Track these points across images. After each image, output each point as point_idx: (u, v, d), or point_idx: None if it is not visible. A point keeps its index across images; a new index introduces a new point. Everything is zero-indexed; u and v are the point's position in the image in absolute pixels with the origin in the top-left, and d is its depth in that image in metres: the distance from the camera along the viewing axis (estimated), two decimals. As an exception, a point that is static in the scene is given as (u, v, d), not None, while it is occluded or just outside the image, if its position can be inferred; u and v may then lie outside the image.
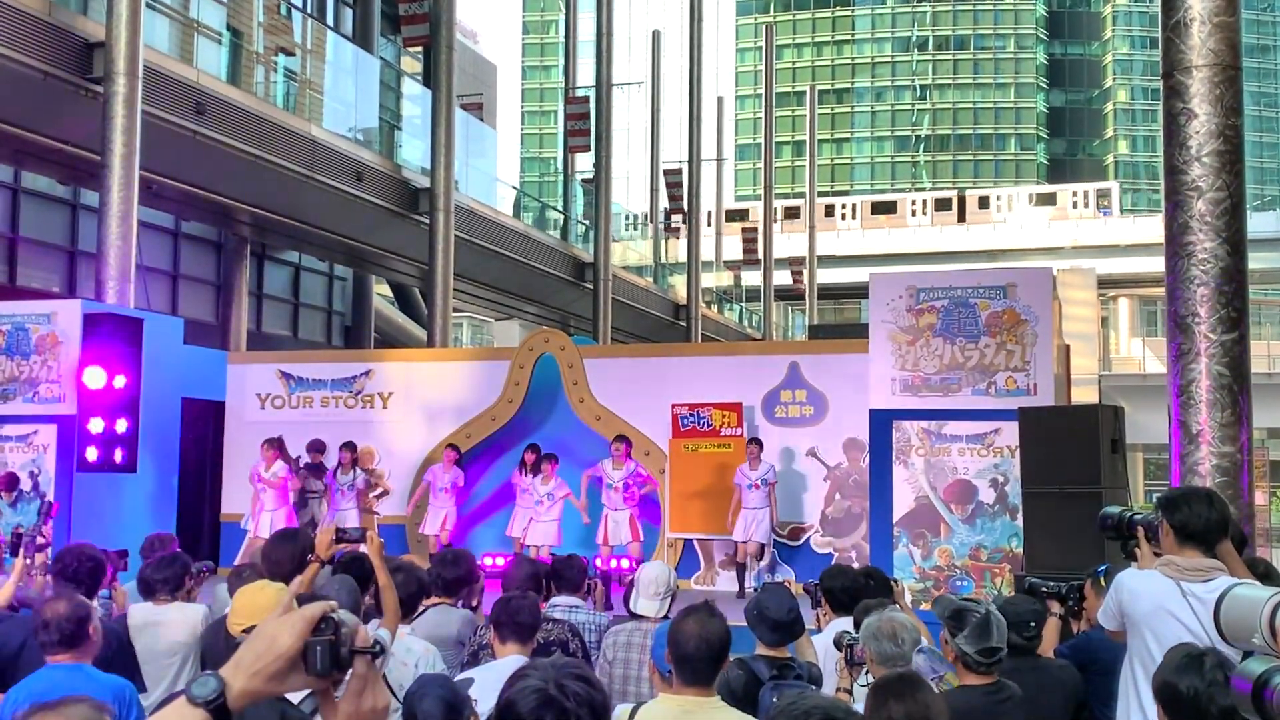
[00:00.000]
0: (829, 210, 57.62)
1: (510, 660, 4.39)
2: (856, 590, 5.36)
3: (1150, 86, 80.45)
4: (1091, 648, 4.82)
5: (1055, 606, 5.20)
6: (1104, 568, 5.20)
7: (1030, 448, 8.58)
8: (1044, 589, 5.26)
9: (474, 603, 5.99)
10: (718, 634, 3.50)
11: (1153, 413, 26.01)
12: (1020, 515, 9.05)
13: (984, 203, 63.32)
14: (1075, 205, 61.08)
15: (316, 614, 1.75)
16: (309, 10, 23.54)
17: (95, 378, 11.29)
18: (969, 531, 9.95)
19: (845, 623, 4.99)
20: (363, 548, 5.04)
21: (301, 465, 12.79)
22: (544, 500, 12.13)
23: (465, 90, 29.65)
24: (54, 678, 3.97)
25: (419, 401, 13.71)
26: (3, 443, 11.68)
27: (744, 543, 11.62)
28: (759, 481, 11.61)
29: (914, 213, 61.65)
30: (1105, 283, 47.79)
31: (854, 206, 60.70)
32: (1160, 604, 3.96)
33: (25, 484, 11.54)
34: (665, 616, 4.98)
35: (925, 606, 8.31)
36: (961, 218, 61.31)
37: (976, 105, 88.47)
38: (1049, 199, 62.97)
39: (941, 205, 62.36)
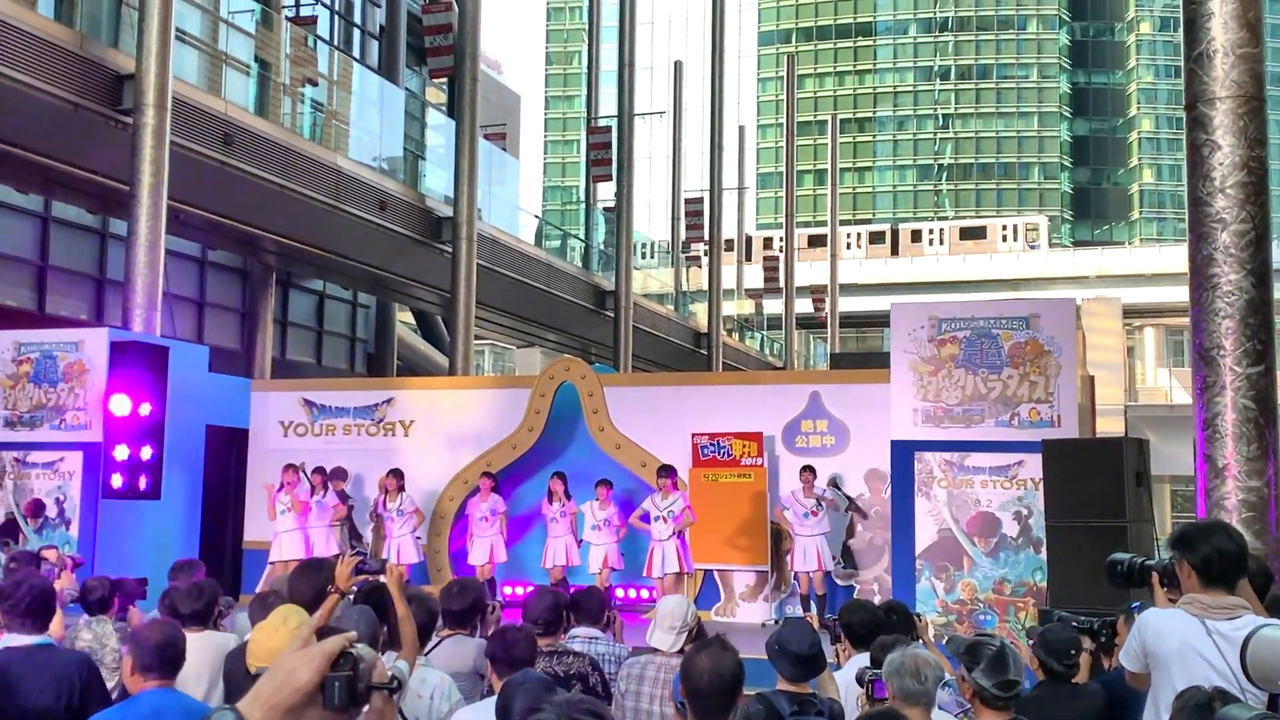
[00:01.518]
0: (767, 243, 57.64)
1: None
2: (876, 625, 5.31)
3: (1175, 116, 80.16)
4: (1123, 683, 4.77)
5: (1087, 642, 5.14)
6: (1137, 604, 5.14)
7: (1054, 480, 8.52)
8: (1075, 624, 5.19)
9: (489, 632, 5.97)
10: (730, 668, 3.46)
11: (1180, 444, 25.78)
12: (1044, 549, 8.98)
13: (916, 236, 64.33)
14: (1005, 239, 61.77)
15: (335, 649, 1.75)
16: (335, 42, 23.80)
17: (121, 405, 11.38)
18: (992, 565, 9.87)
19: (866, 658, 4.96)
20: (383, 578, 5.05)
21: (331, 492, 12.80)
22: (600, 526, 12.13)
23: (489, 120, 29.86)
24: (154, 701, 4.06)
25: (440, 429, 13.74)
26: (29, 469, 11.77)
27: (807, 573, 11.63)
28: (815, 508, 11.61)
29: (849, 245, 61.56)
30: (1131, 312, 47.59)
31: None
32: (1186, 642, 3.91)
33: (51, 510, 11.62)
34: (683, 651, 4.95)
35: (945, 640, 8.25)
36: (895, 251, 61.52)
37: (999, 134, 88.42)
38: (978, 233, 63.44)
39: (875, 238, 62.51)
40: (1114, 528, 8.09)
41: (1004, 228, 64.05)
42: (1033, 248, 60.56)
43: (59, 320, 16.47)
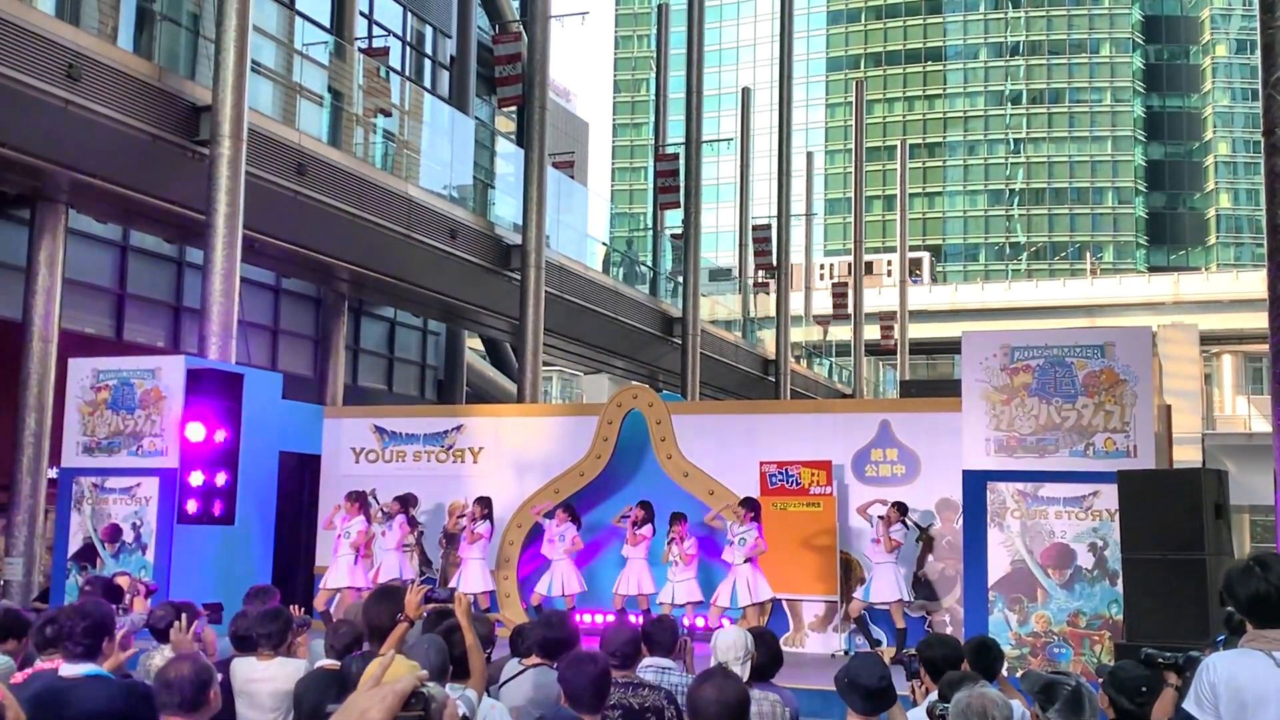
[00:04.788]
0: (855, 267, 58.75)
1: None
2: (958, 661, 5.21)
3: (1253, 139, 78.73)
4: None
5: (1172, 678, 4.99)
6: (1223, 637, 5.01)
7: (1130, 512, 8.35)
8: (1160, 659, 5.06)
9: None
10: (735, 696, 3.57)
11: (1260, 474, 25.17)
12: (1120, 581, 8.79)
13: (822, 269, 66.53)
14: (889, 274, 63.09)
15: (407, 689, 1.75)
16: (407, 73, 24.16)
17: (196, 431, 11.57)
18: (1067, 597, 9.66)
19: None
20: (452, 606, 5.06)
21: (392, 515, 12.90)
22: (676, 562, 12.02)
23: (558, 147, 30.10)
24: None
25: (509, 456, 13.80)
26: (107, 494, 11.99)
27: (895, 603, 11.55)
28: (902, 539, 11.55)
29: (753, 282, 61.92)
30: (1208, 338, 46.65)
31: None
32: (1255, 678, 3.81)
33: (128, 535, 11.83)
34: (750, 680, 4.92)
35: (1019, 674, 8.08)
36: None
37: (1072, 159, 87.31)
38: (865, 268, 64.24)
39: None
40: (1192, 561, 7.91)
41: (888, 263, 66.07)
42: (914, 281, 60.98)
43: (136, 347, 16.83)
